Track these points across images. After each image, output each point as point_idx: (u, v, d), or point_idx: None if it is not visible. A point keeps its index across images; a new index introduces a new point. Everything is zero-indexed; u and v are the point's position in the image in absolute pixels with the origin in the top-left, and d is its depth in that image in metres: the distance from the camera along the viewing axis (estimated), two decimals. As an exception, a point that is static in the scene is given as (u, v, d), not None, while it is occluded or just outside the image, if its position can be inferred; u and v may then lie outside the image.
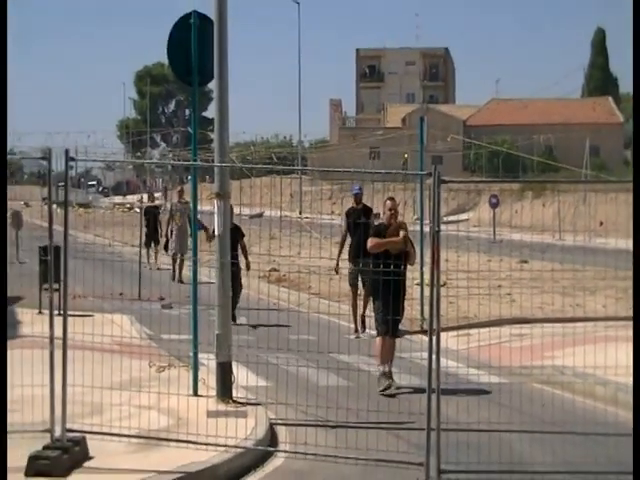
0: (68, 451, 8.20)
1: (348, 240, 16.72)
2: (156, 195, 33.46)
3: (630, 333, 8.48)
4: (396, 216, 12.18)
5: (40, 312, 16.06)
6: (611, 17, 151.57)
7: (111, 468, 8.18)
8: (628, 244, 8.72)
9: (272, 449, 9.32)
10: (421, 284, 16.55)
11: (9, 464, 7.79)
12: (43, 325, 9.15)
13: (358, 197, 16.84)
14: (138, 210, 31.01)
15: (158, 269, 25.97)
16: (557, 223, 43.30)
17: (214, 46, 10.92)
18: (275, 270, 23.77)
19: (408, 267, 12.28)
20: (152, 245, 27.09)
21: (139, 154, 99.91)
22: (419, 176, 17.20)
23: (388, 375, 11.86)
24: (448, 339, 14.68)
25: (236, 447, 8.80)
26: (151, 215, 27.19)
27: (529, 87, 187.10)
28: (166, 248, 25.06)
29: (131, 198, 69.75)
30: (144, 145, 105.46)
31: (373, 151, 79.83)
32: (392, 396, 11.53)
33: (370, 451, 8.55)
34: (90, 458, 8.42)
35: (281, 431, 10.00)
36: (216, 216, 10.98)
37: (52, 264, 9.36)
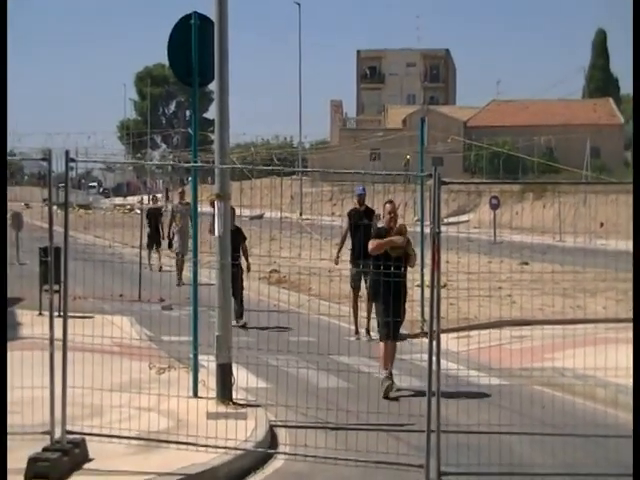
0: (68, 453, 8.20)
1: (348, 242, 16.74)
2: (157, 196, 33.39)
3: (630, 335, 8.47)
4: (396, 219, 12.18)
5: (40, 313, 16.05)
6: (612, 18, 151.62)
7: (111, 470, 8.17)
8: (629, 245, 8.71)
9: (272, 451, 9.31)
10: (421, 285, 16.54)
11: (9, 466, 7.79)
12: (43, 326, 9.14)
13: (361, 198, 16.83)
14: (139, 211, 31.01)
15: (160, 270, 25.96)
16: (557, 224, 43.27)
17: (214, 47, 10.92)
18: (275, 271, 23.77)
19: (408, 269, 12.27)
20: (154, 247, 27.09)
21: (139, 155, 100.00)
22: (419, 177, 17.19)
23: (388, 376, 11.86)
24: (448, 341, 14.68)
25: (236, 449, 8.80)
26: (153, 217, 27.21)
27: (530, 88, 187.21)
28: (170, 246, 25.05)
29: (131, 199, 69.77)
30: (144, 146, 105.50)
31: (374, 152, 79.85)
32: (393, 398, 11.53)
33: (370, 453, 8.55)
34: (90, 460, 8.42)
35: (281, 433, 10.00)
36: (216, 217, 10.98)
37: (52, 265, 9.36)
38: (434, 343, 8.12)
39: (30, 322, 15.40)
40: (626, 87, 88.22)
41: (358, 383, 11.44)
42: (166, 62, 12.18)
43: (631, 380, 8.25)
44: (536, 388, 12.08)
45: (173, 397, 9.91)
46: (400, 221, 12.25)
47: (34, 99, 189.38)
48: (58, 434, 8.44)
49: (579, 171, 51.72)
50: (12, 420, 8.87)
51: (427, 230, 10.91)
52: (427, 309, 10.38)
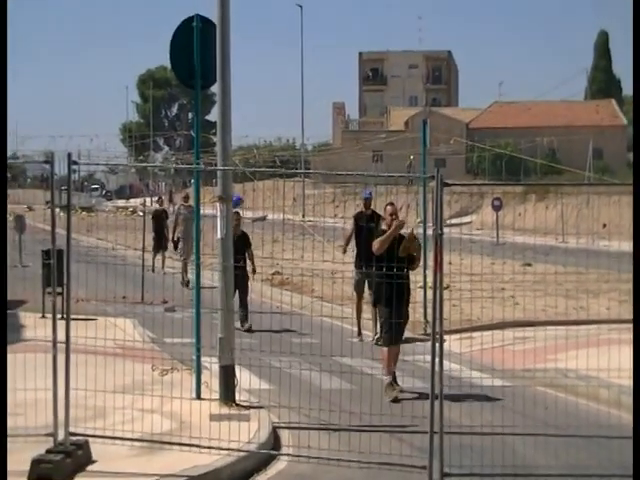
0: (71, 455, 8.21)
1: (352, 245, 16.75)
2: (163, 198, 33.45)
3: (633, 336, 8.46)
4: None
5: (43, 316, 16.05)
6: (614, 19, 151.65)
7: (114, 472, 8.18)
8: (631, 247, 8.71)
9: (275, 452, 9.32)
10: (424, 287, 16.54)
11: (12, 468, 7.80)
12: (46, 329, 9.15)
13: (368, 202, 16.74)
14: (141, 214, 31.02)
15: (164, 273, 25.96)
16: (560, 226, 43.25)
17: (216, 49, 10.93)
18: (278, 273, 23.76)
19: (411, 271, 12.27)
20: (159, 250, 27.13)
21: (142, 158, 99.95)
22: (422, 179, 17.19)
23: (391, 383, 11.88)
24: (451, 342, 14.67)
25: (239, 450, 8.80)
26: (158, 218, 27.26)
27: (532, 90, 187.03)
28: (176, 248, 25.10)
29: (134, 202, 69.78)
30: (147, 149, 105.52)
31: (376, 154, 79.80)
32: (397, 400, 11.53)
33: (373, 454, 8.55)
34: (93, 462, 8.43)
35: (284, 434, 10.00)
36: (219, 220, 10.98)
37: (55, 268, 9.37)
38: (437, 344, 8.12)
39: (33, 324, 15.37)
40: (628, 88, 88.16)
41: (361, 385, 11.44)
42: (168, 65, 12.20)
43: (634, 381, 8.24)
44: (539, 389, 12.08)
45: (176, 399, 9.92)
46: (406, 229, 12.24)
47: (37, 102, 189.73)
48: (61, 436, 8.44)
49: (582, 172, 51.74)
50: (15, 422, 8.89)
51: (430, 232, 10.91)
52: (430, 311, 10.39)
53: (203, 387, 10.99)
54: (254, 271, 17.64)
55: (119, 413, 9.86)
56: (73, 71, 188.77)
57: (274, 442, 9.65)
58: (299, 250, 17.37)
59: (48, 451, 8.22)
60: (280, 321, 15.45)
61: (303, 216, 55.34)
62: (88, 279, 12.97)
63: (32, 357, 9.65)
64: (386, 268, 11.30)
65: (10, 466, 7.82)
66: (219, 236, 11.00)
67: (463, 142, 71.32)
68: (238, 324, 15.61)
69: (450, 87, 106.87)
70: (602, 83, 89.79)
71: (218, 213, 11.00)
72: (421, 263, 13.45)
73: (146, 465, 8.38)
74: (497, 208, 46.51)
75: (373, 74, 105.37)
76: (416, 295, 15.85)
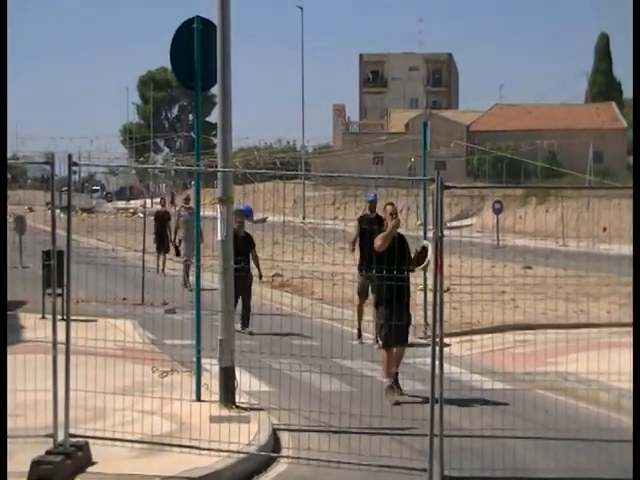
0: (71, 456, 8.20)
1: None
2: (165, 199, 33.43)
3: (634, 339, 8.46)
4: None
5: (43, 317, 16.05)
6: (615, 22, 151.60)
7: (114, 473, 8.18)
8: (631, 250, 8.70)
9: (275, 454, 9.31)
10: (424, 290, 16.53)
11: (12, 469, 7.79)
12: (46, 330, 9.15)
13: (373, 204, 16.64)
14: (142, 215, 31.02)
15: (164, 275, 25.96)
16: (561, 229, 43.27)
17: (217, 51, 10.93)
18: (278, 275, 23.76)
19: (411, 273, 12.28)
20: (162, 251, 27.14)
21: (142, 159, 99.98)
22: (422, 181, 17.18)
23: (391, 386, 11.88)
24: (452, 345, 14.69)
25: (239, 452, 8.80)
26: (161, 220, 27.27)
27: (532, 92, 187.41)
28: (178, 253, 25.12)
29: (134, 203, 69.78)
30: (147, 150, 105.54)
31: (376, 156, 79.84)
32: (397, 403, 11.53)
33: (373, 457, 8.55)
34: (93, 463, 8.42)
35: (284, 436, 10.00)
36: (219, 221, 10.98)
37: (55, 269, 9.36)
38: (437, 347, 8.12)
39: (33, 325, 15.38)
40: (629, 91, 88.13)
41: (361, 387, 11.43)
42: (169, 66, 12.20)
43: (634, 384, 8.24)
44: (539, 392, 12.07)
45: (176, 400, 9.91)
46: (403, 224, 12.27)
47: (37, 103, 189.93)
48: (61, 437, 8.44)
49: (582, 175, 51.67)
50: (15, 423, 8.89)
51: (430, 234, 10.90)
52: (430, 313, 10.38)
53: (203, 389, 10.99)
54: (260, 276, 17.65)
55: (119, 414, 9.85)
56: (74, 72, 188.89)
57: (274, 444, 9.65)
58: (299, 252, 17.36)
59: (48, 452, 8.22)
60: (280, 323, 15.44)
61: (303, 218, 55.36)
62: (88, 280, 12.97)
63: (32, 358, 9.65)
64: (386, 270, 11.30)
65: (10, 467, 7.82)
66: (219, 238, 11.00)
67: (463, 145, 71.32)
68: (238, 326, 15.61)
69: (450, 89, 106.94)
70: (603, 86, 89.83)
71: (218, 215, 11.00)
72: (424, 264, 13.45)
73: (146, 467, 8.38)
74: (497, 211, 46.54)
75: (373, 76, 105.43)
76: (416, 298, 15.86)
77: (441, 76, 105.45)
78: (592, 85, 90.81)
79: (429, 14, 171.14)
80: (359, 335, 16.46)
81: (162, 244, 27.05)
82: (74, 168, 9.04)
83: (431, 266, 8.27)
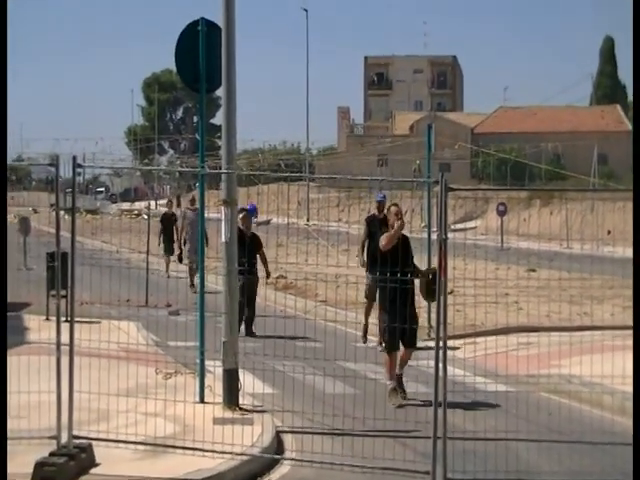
0: (74, 458, 8.21)
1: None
2: (172, 201, 33.42)
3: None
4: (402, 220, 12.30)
5: (47, 319, 16.06)
6: (619, 25, 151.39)
7: (117, 475, 8.18)
8: (632, 251, 8.70)
9: (278, 457, 9.31)
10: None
11: (16, 470, 7.80)
12: (50, 332, 9.15)
13: (382, 205, 16.58)
14: (146, 217, 31.02)
15: (168, 277, 25.95)
16: (565, 231, 43.22)
17: (222, 53, 10.94)
18: (282, 277, 23.77)
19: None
20: (169, 253, 27.15)
21: (147, 161, 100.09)
22: (426, 184, 17.18)
23: (398, 385, 11.87)
24: (461, 348, 14.69)
25: (242, 454, 8.80)
26: (167, 222, 27.27)
27: (537, 95, 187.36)
28: (180, 259, 25.15)
29: (139, 205, 69.84)
30: (152, 152, 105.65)
31: (381, 158, 79.82)
32: (400, 406, 11.53)
33: (376, 459, 8.54)
34: (96, 465, 8.43)
35: (287, 439, 9.99)
36: (223, 223, 10.98)
37: (59, 270, 9.37)
38: (441, 349, 8.12)
39: (37, 327, 15.42)
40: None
41: (364, 389, 11.42)
42: (174, 68, 12.22)
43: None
44: (543, 395, 12.06)
45: (179, 402, 9.92)
46: (407, 226, 12.27)
47: (42, 104, 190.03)
48: (65, 439, 8.45)
49: (586, 178, 51.68)
50: (19, 425, 8.90)
51: (434, 236, 10.90)
52: (434, 315, 10.37)
53: (207, 391, 10.99)
54: (268, 275, 17.64)
55: (123, 416, 9.86)
56: (79, 74, 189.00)
57: (277, 446, 9.64)
58: (303, 254, 17.37)
59: (51, 454, 8.22)
60: (284, 325, 15.43)
61: (308, 220, 55.39)
62: (92, 282, 12.94)
63: (36, 360, 9.67)
64: (389, 272, 11.30)
65: (14, 469, 7.83)
66: (223, 240, 11.00)
67: (468, 147, 71.31)
68: (242, 327, 15.58)
69: (455, 92, 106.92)
70: (607, 89, 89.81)
71: (222, 217, 11.01)
72: (424, 267, 13.42)
73: (149, 468, 8.38)
74: (502, 213, 46.51)
75: (378, 78, 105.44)
76: (420, 300, 15.85)
77: (446, 78, 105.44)
78: (597, 88, 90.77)
79: (434, 16, 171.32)
80: (364, 335, 16.40)
81: (169, 247, 27.07)
82: (78, 170, 9.06)
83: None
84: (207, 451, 8.67)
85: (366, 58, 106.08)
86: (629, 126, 79.48)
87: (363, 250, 16.71)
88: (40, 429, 8.86)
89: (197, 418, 9.66)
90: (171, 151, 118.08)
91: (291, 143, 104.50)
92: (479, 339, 15.76)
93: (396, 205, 12.53)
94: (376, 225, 16.15)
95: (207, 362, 11.20)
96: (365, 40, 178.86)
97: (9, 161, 9.15)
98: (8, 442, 8.14)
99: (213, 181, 22.80)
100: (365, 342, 16.09)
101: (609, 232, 44.17)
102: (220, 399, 10.76)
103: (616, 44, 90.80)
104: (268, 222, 31.26)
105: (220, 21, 11.05)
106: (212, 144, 72.52)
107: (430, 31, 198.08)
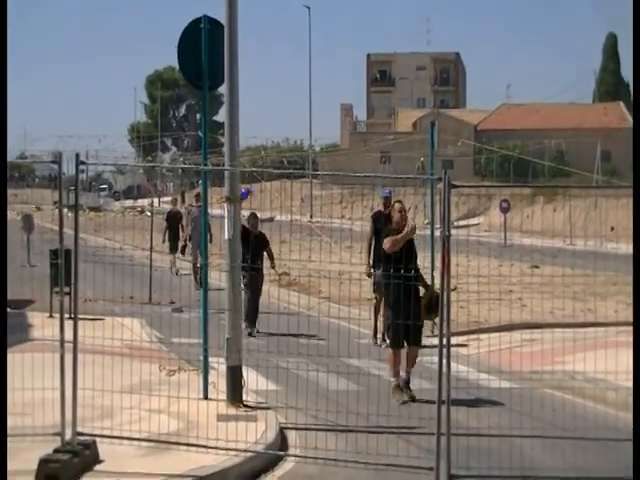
0: (78, 454, 8.22)
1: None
2: (176, 199, 33.47)
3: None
4: (406, 218, 12.26)
5: (51, 316, 16.07)
6: (622, 22, 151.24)
7: (121, 472, 8.19)
8: (632, 248, 8.69)
9: (282, 453, 9.32)
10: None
11: (19, 467, 7.81)
12: (54, 329, 9.16)
13: (388, 201, 16.45)
14: (149, 214, 31.02)
15: (176, 274, 25.95)
16: (568, 228, 43.21)
17: (224, 50, 10.94)
18: (285, 274, 23.75)
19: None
20: (175, 251, 27.17)
21: (150, 158, 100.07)
22: (430, 181, 17.17)
23: (405, 386, 11.86)
24: (468, 345, 14.69)
25: (246, 451, 8.81)
26: (173, 220, 27.28)
27: (540, 92, 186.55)
28: (183, 252, 25.18)
29: (142, 202, 69.85)
30: (155, 149, 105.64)
31: (384, 156, 79.80)
32: (404, 402, 11.54)
33: (380, 456, 8.55)
34: (100, 462, 8.44)
35: (291, 435, 10.00)
36: (226, 220, 10.99)
37: (63, 268, 9.37)
38: (444, 347, 8.11)
39: (41, 324, 15.39)
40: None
41: (368, 386, 11.44)
42: (176, 65, 12.21)
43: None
44: (546, 391, 12.06)
45: (183, 399, 9.92)
46: (411, 223, 12.26)
47: (45, 102, 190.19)
48: (69, 436, 8.46)
49: (590, 175, 51.66)
50: (23, 422, 8.91)
51: (437, 233, 10.89)
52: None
53: (210, 387, 10.99)
54: (273, 268, 17.68)
55: (126, 413, 9.87)
56: (81, 72, 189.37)
57: (281, 443, 9.65)
58: (306, 251, 17.35)
59: (56, 450, 8.23)
60: (287, 322, 15.44)
61: (311, 217, 55.38)
62: (96, 279, 12.97)
63: (40, 357, 9.67)
64: (393, 269, 11.30)
65: (18, 465, 7.84)
66: (226, 237, 11.00)
67: (471, 144, 71.31)
68: (244, 325, 15.58)
69: (458, 89, 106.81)
70: (610, 86, 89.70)
71: (225, 214, 11.01)
72: (428, 264, 13.45)
73: (153, 465, 8.39)
74: (505, 210, 46.51)
75: (381, 76, 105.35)
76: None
77: (448, 75, 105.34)
78: (600, 85, 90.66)
79: (436, 13, 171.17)
80: (374, 335, 16.30)
81: (174, 245, 27.08)
82: (82, 167, 9.05)
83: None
84: (211, 448, 8.67)
85: (369, 55, 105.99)
86: (632, 123, 79.46)
87: (370, 249, 16.57)
88: (44, 426, 8.86)
89: (201, 415, 9.66)
90: (174, 148, 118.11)
91: (294, 140, 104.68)
92: (483, 336, 15.77)
93: (400, 202, 12.52)
94: (382, 221, 16.09)
95: (211, 359, 11.21)
96: (368, 37, 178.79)
97: (12, 159, 9.19)
98: (12, 439, 8.15)
99: (216, 178, 22.80)
100: (376, 343, 15.96)
101: (612, 228, 44.10)
102: (224, 396, 10.77)
103: (619, 41, 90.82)
104: (272, 219, 31.25)
105: (223, 18, 11.05)
106: (215, 141, 72.57)
107: (433, 28, 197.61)
